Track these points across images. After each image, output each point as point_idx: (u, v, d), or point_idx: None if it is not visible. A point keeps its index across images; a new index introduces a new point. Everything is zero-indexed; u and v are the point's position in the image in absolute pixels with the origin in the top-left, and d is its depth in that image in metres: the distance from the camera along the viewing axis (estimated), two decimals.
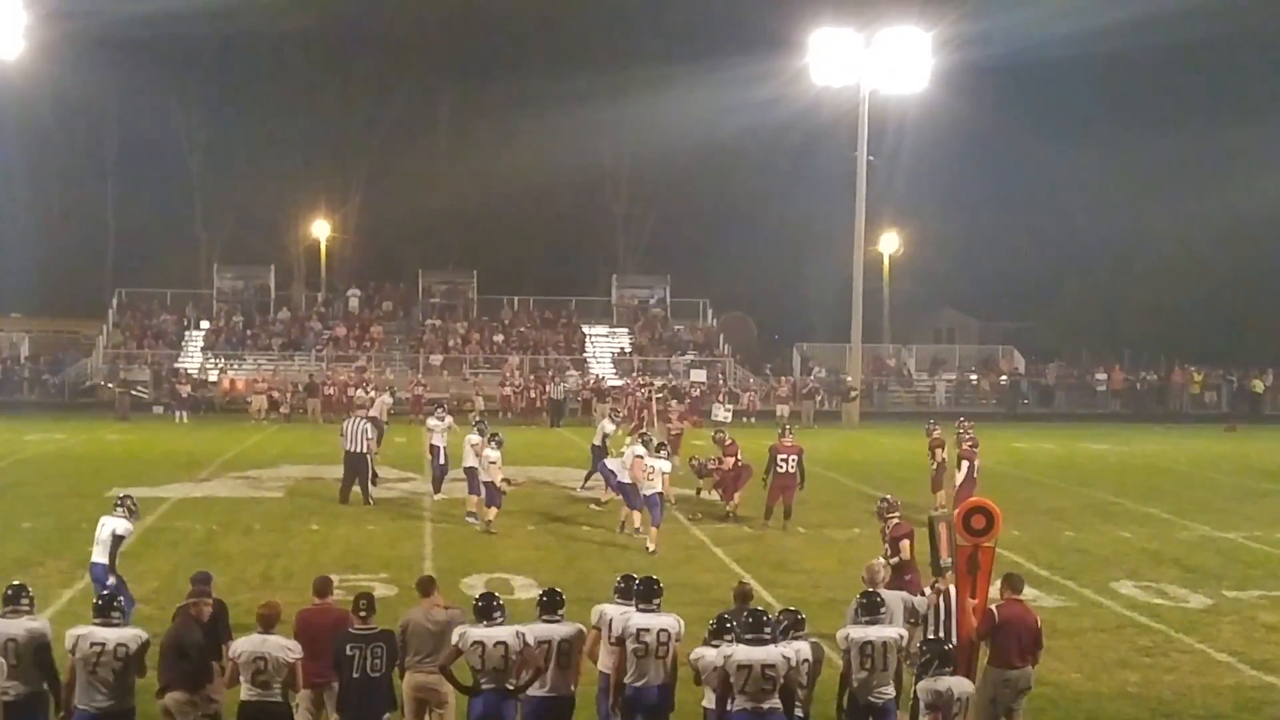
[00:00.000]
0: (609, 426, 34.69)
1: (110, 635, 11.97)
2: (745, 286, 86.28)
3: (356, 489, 30.45)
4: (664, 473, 26.03)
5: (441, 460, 31.59)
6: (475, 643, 12.33)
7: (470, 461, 27.52)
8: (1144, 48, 75.99)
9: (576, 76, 76.85)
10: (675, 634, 12.76)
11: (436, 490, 31.66)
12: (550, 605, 12.93)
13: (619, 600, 13.29)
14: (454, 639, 12.53)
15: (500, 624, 12.49)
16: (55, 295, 77.92)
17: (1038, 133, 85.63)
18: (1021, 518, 28.93)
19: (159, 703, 12.76)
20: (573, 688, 12.82)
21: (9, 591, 12.47)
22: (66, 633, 12.12)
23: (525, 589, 18.22)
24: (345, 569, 22.19)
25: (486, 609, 12.58)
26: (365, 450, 30.73)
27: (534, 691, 12.59)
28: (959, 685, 11.78)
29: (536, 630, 12.67)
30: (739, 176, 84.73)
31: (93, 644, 11.88)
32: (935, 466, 30.64)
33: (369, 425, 31.54)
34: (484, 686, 12.39)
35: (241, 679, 12.19)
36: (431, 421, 32.72)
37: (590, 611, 13.42)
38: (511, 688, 12.45)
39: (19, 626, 12.19)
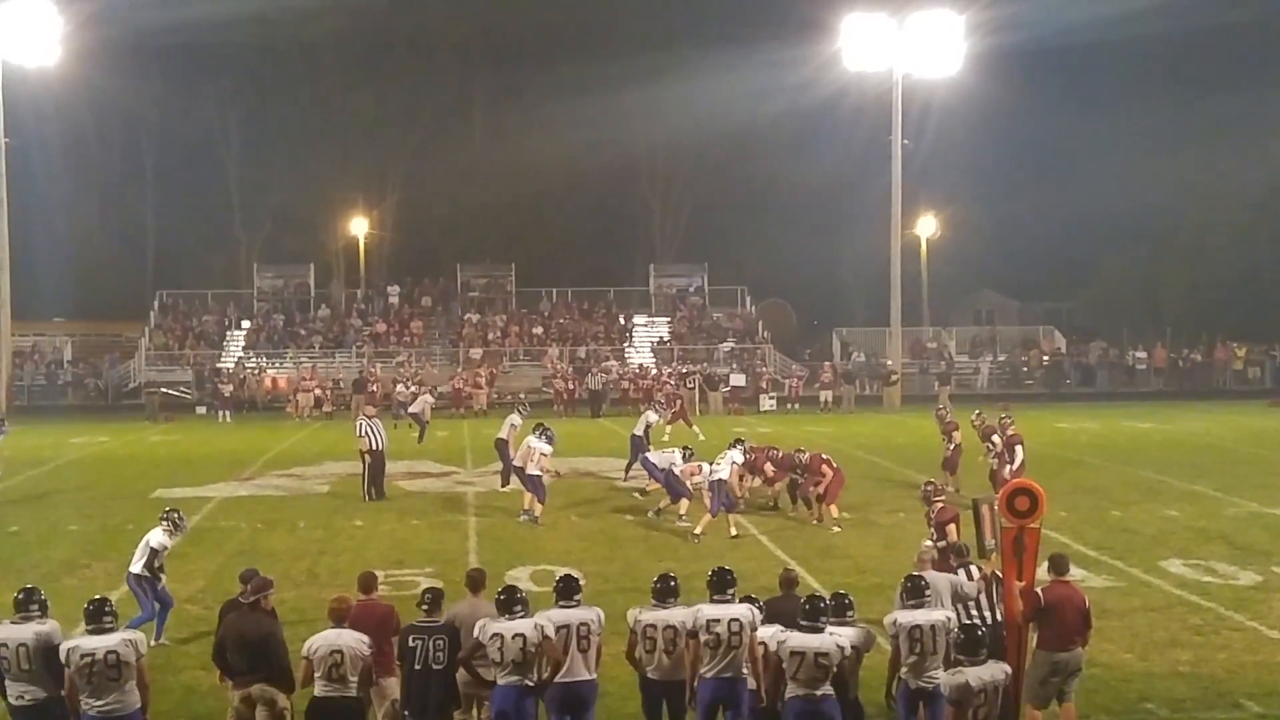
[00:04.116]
0: (652, 417, 34.77)
1: (99, 644, 11.82)
2: (783, 272, 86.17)
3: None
4: (735, 462, 26.01)
5: (510, 455, 31.41)
6: (494, 635, 12.32)
7: (520, 461, 27.54)
8: (1176, 27, 75.74)
9: (608, 66, 76.65)
10: (748, 623, 12.58)
11: (504, 483, 31.48)
12: (567, 591, 12.91)
13: (655, 604, 13.07)
14: (475, 632, 12.52)
15: (521, 617, 12.49)
16: (96, 299, 78.20)
17: (1071, 113, 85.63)
18: (1068, 498, 28.81)
19: (236, 694, 12.79)
20: (593, 673, 12.75)
21: (19, 596, 12.40)
22: (60, 645, 12.00)
23: None
24: (390, 564, 22.26)
25: (508, 602, 12.57)
26: (380, 448, 30.82)
27: (558, 678, 12.53)
28: (985, 673, 11.46)
29: (554, 616, 12.65)
30: (774, 162, 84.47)
31: (83, 655, 11.77)
32: (952, 449, 30.95)
33: (379, 423, 31.57)
34: (504, 679, 12.38)
35: (316, 674, 12.20)
36: (514, 418, 32.04)
37: (632, 605, 13.37)
38: (532, 683, 12.44)
39: (28, 631, 12.11)
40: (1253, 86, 80.00)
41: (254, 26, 74.17)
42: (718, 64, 74.32)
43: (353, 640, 12.26)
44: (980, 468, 29.63)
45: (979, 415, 31.13)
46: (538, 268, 78.25)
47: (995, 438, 29.04)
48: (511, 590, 12.83)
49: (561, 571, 14.64)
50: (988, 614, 14.26)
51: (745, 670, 12.58)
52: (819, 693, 11.93)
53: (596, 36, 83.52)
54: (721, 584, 12.91)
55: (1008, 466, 27.48)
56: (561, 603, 12.81)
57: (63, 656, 11.86)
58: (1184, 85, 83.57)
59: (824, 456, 27.37)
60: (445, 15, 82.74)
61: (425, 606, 12.81)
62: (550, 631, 12.45)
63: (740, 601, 12.90)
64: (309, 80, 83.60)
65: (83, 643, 11.89)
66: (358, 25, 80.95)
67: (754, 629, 12.60)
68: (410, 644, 12.54)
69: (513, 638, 12.28)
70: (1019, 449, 28.07)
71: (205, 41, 74.04)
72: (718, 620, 12.54)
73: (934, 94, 66.59)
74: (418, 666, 12.48)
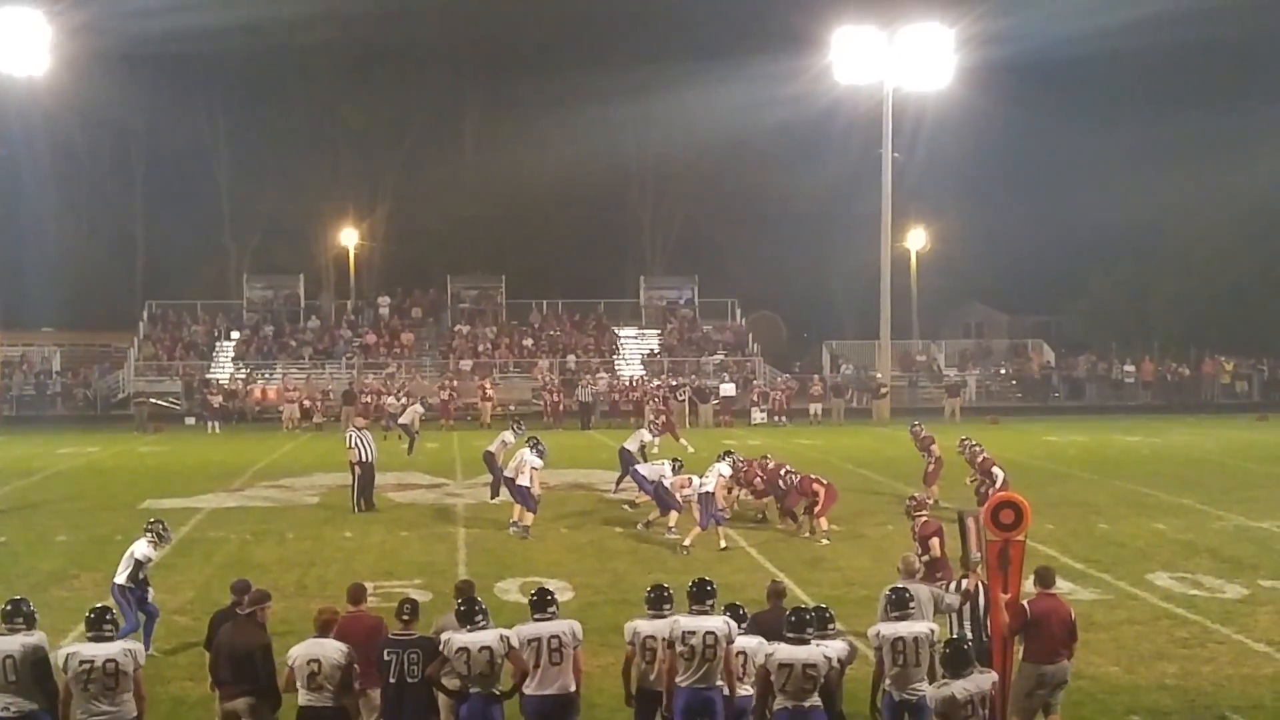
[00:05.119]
0: (646, 437, 34.60)
1: (99, 651, 11.80)
2: (773, 285, 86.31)
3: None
4: (722, 475, 26.03)
5: (498, 466, 31.19)
6: (460, 649, 12.24)
7: (511, 472, 27.54)
8: (1165, 41, 75.67)
9: (600, 78, 76.67)
10: (723, 636, 12.52)
11: (494, 495, 31.28)
12: (540, 604, 12.83)
13: (652, 613, 13.12)
14: (440, 647, 12.43)
15: (483, 628, 12.43)
16: (85, 309, 78.19)
17: (1061, 127, 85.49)
18: (1055, 511, 28.87)
19: (223, 707, 12.83)
20: (573, 686, 12.66)
21: (7, 608, 12.32)
22: (57, 651, 12.02)
23: (560, 592, 18.18)
24: (379, 576, 22.24)
25: (469, 614, 12.51)
26: (370, 459, 30.79)
27: (532, 691, 12.51)
28: (971, 685, 11.45)
29: (525, 630, 12.62)
30: (765, 175, 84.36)
31: (81, 661, 11.72)
32: (933, 463, 31.12)
33: (369, 435, 31.60)
34: (471, 691, 12.34)
35: (297, 684, 12.22)
36: (507, 435, 31.65)
37: (620, 617, 13.35)
38: (498, 692, 12.41)
39: (14, 642, 12.02)
40: (1240, 103, 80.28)
41: (244, 36, 74.18)
42: (708, 76, 74.42)
43: (332, 650, 12.26)
44: (964, 480, 29.65)
45: (963, 442, 31.07)
46: (528, 279, 78.28)
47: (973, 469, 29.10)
48: (471, 601, 12.73)
49: (550, 583, 14.66)
50: (970, 627, 14.32)
51: (720, 681, 12.56)
52: (807, 704, 11.93)
53: (588, 49, 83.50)
54: (701, 595, 12.87)
55: (990, 488, 27.43)
56: (536, 615, 12.76)
57: (60, 662, 11.84)
58: (1172, 101, 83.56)
59: (813, 476, 27.37)
60: (436, 26, 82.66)
61: (404, 618, 12.69)
62: (515, 642, 12.42)
63: (725, 609, 12.92)
64: (299, 90, 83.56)
65: (82, 649, 11.86)
66: (349, 36, 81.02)
67: (730, 641, 12.56)
68: (385, 657, 12.40)
69: (479, 650, 12.22)
70: (996, 470, 27.93)
71: (195, 51, 74.09)
72: (693, 632, 12.49)
73: (924, 107, 66.66)
74: (392, 680, 12.35)
